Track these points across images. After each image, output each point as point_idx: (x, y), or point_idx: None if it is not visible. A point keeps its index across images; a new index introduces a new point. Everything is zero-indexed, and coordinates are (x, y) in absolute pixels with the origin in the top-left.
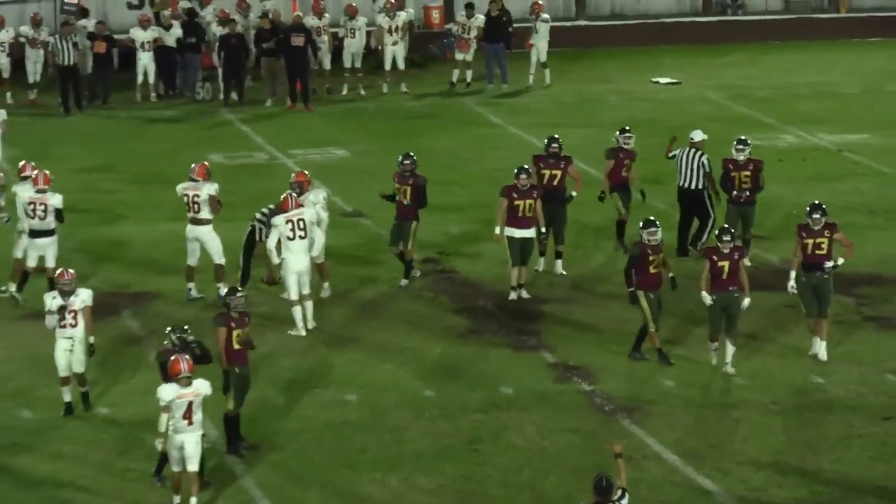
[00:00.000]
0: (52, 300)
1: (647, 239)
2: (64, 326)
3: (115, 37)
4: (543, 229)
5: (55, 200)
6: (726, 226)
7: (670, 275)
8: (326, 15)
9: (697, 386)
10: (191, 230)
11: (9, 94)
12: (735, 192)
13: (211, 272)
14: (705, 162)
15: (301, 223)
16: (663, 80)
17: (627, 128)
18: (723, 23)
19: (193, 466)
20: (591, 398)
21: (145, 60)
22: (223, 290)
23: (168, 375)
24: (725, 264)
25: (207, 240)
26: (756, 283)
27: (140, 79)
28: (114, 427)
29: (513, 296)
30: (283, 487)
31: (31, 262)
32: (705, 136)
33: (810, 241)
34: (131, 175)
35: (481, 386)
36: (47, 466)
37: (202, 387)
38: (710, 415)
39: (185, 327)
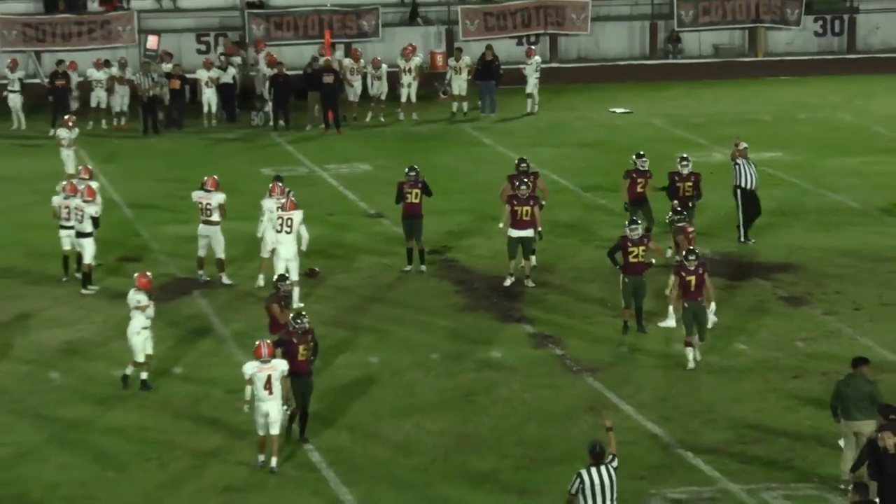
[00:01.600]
0: (135, 297)
1: (628, 233)
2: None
3: (187, 75)
4: (540, 229)
5: (91, 210)
6: (692, 247)
7: (652, 260)
8: (361, 60)
9: (647, 352)
10: (203, 229)
11: (104, 121)
12: (679, 197)
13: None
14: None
15: (290, 221)
16: (618, 110)
17: (642, 152)
18: (665, 64)
19: (276, 430)
20: (562, 361)
21: (208, 94)
22: (224, 279)
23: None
24: (692, 279)
25: (215, 238)
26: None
27: (205, 108)
28: (186, 383)
29: (507, 282)
30: (320, 431)
31: (66, 247)
32: (745, 145)
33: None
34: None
35: (476, 351)
36: (133, 415)
37: (279, 364)
38: (656, 374)
39: (303, 314)
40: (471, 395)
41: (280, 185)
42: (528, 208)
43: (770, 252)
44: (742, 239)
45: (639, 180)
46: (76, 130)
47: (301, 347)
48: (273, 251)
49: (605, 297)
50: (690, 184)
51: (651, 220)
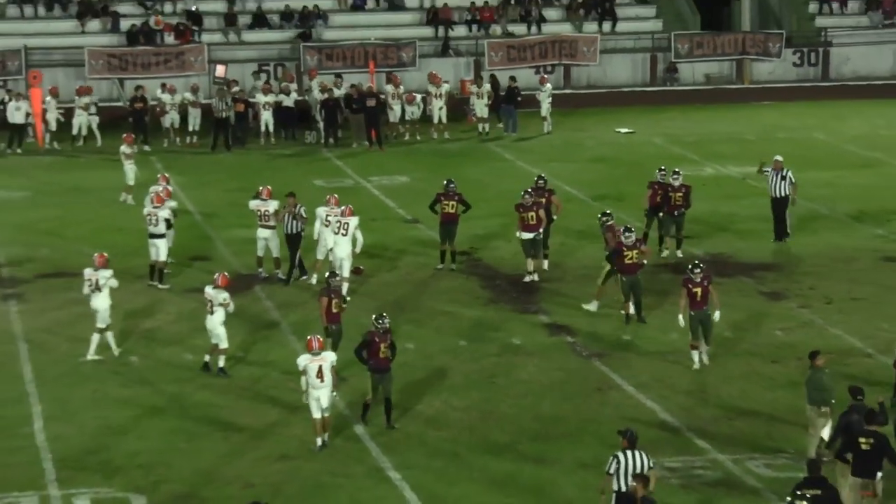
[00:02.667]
0: (219, 295)
1: (623, 240)
2: (212, 313)
3: (250, 100)
4: (541, 229)
5: (163, 213)
6: (696, 261)
7: (644, 261)
8: (401, 86)
9: (647, 339)
10: (261, 232)
11: (178, 139)
12: (671, 206)
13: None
14: (791, 177)
15: (346, 225)
16: (623, 130)
17: (663, 167)
18: (663, 91)
19: (327, 413)
20: (573, 347)
21: (266, 116)
22: (280, 274)
23: (308, 348)
24: (698, 290)
25: (271, 239)
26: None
27: (263, 128)
28: (247, 366)
29: (527, 278)
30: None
31: (153, 257)
32: (781, 158)
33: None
34: (255, 193)
35: (498, 338)
36: (202, 393)
37: (328, 356)
38: (655, 359)
39: (385, 315)
40: (493, 377)
41: (336, 196)
42: (533, 213)
43: (754, 253)
44: (774, 239)
45: (659, 191)
46: (135, 147)
47: (382, 345)
48: (328, 252)
49: (610, 292)
50: (681, 194)
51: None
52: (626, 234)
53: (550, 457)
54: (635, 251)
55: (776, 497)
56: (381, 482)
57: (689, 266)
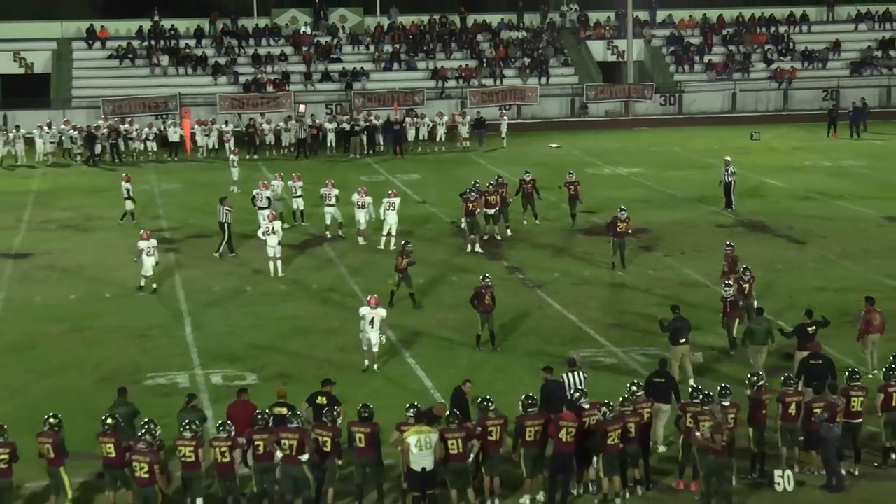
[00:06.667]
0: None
1: (619, 214)
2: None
3: (320, 125)
4: (492, 211)
5: (267, 192)
6: (622, 206)
7: (630, 231)
8: (416, 118)
9: (569, 275)
10: (327, 209)
11: (274, 151)
12: (572, 193)
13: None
14: (733, 169)
15: (394, 204)
16: (554, 145)
17: (571, 171)
18: (580, 121)
19: (376, 349)
20: (522, 281)
21: (331, 137)
22: (340, 233)
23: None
24: (623, 225)
25: (336, 213)
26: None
27: (328, 144)
28: (317, 292)
29: (468, 249)
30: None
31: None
32: (730, 158)
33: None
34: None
35: (476, 274)
36: (288, 305)
37: (381, 311)
38: (574, 288)
39: (488, 275)
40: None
41: (365, 188)
42: (473, 203)
43: (635, 221)
44: (724, 208)
45: (570, 187)
46: (237, 157)
47: (487, 294)
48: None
49: (555, 245)
50: (574, 188)
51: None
52: (621, 212)
53: (508, 348)
54: (625, 224)
55: (645, 373)
56: (402, 365)
57: (619, 210)
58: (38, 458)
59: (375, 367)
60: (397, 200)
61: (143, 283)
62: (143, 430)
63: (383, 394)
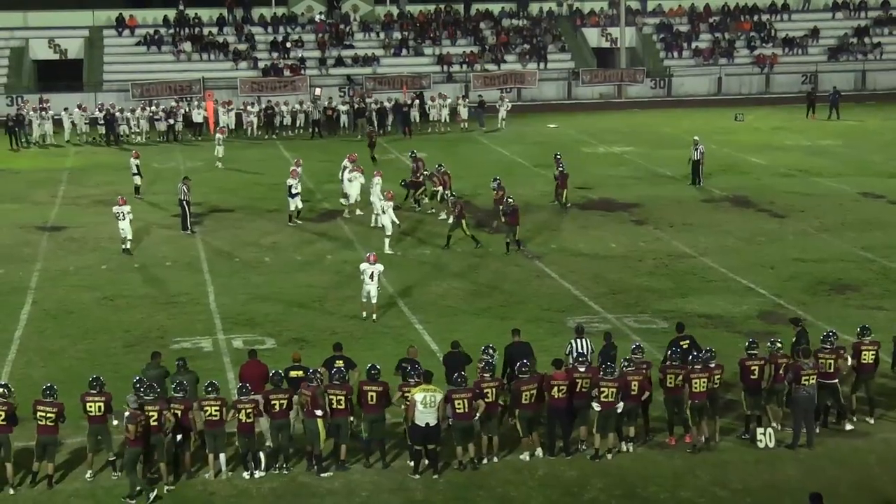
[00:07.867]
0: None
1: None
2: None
3: (335, 108)
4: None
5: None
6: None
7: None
8: (430, 99)
9: (565, 249)
10: (346, 185)
11: (290, 132)
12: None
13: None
14: (702, 149)
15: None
16: (552, 125)
17: (558, 153)
18: (575, 103)
19: (374, 300)
20: (523, 253)
21: (344, 118)
22: (358, 211)
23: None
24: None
25: (360, 188)
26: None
27: (342, 124)
28: (329, 261)
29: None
30: (433, 319)
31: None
32: (698, 138)
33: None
34: (346, 157)
35: (485, 246)
36: (302, 275)
37: (379, 266)
38: (570, 259)
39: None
40: (475, 269)
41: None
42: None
43: (627, 197)
44: (691, 183)
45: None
46: (223, 136)
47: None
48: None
49: (552, 220)
50: (559, 175)
51: None
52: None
53: (510, 315)
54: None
55: (638, 338)
56: (410, 330)
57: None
58: (81, 415)
59: (374, 317)
60: (378, 179)
61: (127, 246)
62: (176, 385)
63: (392, 356)
